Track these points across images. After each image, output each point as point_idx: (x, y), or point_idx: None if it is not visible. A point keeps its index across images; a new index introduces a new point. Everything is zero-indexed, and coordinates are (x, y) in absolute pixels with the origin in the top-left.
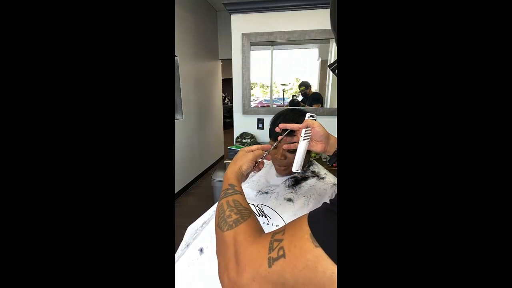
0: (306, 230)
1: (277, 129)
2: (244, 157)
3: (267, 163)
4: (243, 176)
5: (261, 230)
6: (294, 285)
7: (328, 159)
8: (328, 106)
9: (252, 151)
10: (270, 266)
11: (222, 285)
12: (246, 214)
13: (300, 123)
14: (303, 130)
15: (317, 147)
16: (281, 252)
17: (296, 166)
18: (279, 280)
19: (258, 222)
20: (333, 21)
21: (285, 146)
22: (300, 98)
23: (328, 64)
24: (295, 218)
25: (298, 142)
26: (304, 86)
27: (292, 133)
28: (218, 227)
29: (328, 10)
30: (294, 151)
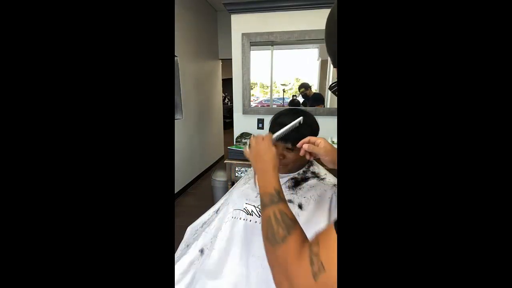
0: (336, 239)
1: (302, 152)
2: (261, 145)
3: None
4: (276, 167)
5: (304, 240)
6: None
7: None
8: (328, 106)
9: (259, 142)
10: (316, 280)
11: None
12: (292, 227)
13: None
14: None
15: (325, 161)
16: (321, 267)
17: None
18: None
19: (301, 231)
20: (329, 46)
21: (303, 153)
22: (300, 98)
23: (328, 86)
24: (307, 222)
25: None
26: (304, 87)
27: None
28: (267, 240)
29: (328, 10)
30: (293, 150)
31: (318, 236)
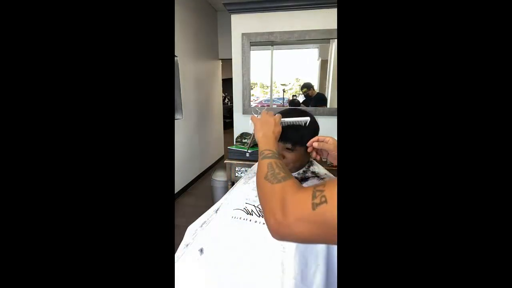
0: None
1: (310, 149)
2: (271, 118)
3: None
4: (277, 140)
5: (302, 186)
6: (335, 224)
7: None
8: (328, 106)
9: (270, 115)
10: (314, 209)
11: (268, 225)
12: (291, 175)
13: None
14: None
15: (333, 158)
16: (323, 199)
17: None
18: (320, 220)
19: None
20: None
21: (314, 154)
22: (300, 98)
23: None
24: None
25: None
26: (306, 87)
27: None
28: (266, 179)
29: (328, 10)
30: (292, 151)
31: (326, 181)
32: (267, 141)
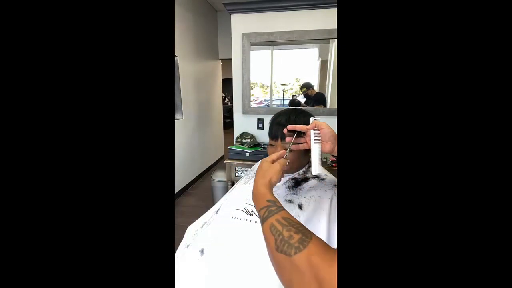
0: None
1: (285, 131)
2: (272, 168)
3: None
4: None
5: (328, 245)
6: None
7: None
8: (328, 106)
9: (274, 160)
10: None
11: None
12: (307, 231)
13: (301, 123)
14: (312, 133)
15: (325, 148)
16: None
17: (316, 169)
18: None
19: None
20: None
21: (293, 147)
22: (300, 97)
23: None
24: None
25: (305, 143)
26: (305, 87)
27: (299, 134)
28: (280, 251)
29: (328, 10)
30: (291, 151)
31: None
32: (260, 194)
